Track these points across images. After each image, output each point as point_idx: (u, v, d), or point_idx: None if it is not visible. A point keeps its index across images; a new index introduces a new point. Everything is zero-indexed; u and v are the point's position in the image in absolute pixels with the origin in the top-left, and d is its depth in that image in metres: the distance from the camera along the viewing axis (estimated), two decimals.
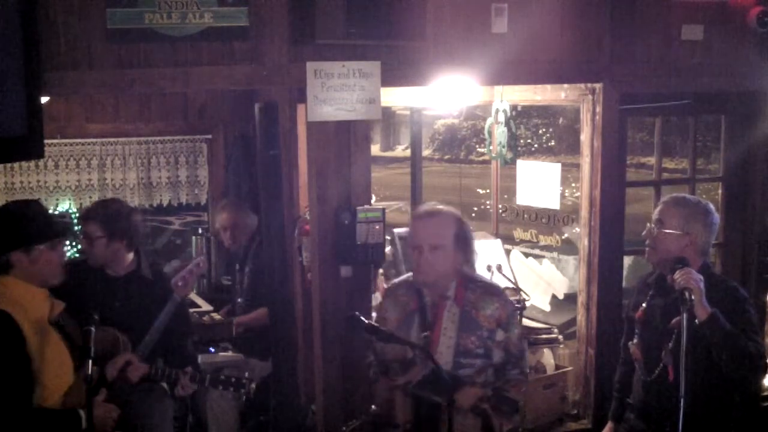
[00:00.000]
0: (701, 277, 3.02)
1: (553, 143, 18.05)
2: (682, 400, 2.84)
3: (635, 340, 3.39)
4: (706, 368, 3.07)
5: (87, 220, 3.82)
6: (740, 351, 3.04)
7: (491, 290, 3.23)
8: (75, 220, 6.04)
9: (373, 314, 3.36)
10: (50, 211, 3.29)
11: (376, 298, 4.68)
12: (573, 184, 7.81)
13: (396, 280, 3.40)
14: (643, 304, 3.38)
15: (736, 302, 3.19)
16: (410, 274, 3.26)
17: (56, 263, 3.07)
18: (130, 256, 3.89)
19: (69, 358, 3.02)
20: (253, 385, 3.66)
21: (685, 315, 2.88)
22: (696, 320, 2.95)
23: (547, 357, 4.86)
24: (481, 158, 16.54)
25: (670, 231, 3.24)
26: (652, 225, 3.33)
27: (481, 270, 4.74)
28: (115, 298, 3.79)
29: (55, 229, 3.14)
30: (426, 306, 3.14)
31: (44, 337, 2.95)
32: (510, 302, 3.28)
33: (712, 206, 3.34)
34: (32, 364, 2.88)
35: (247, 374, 3.77)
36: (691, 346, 2.86)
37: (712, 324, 2.98)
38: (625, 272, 4.88)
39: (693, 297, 2.93)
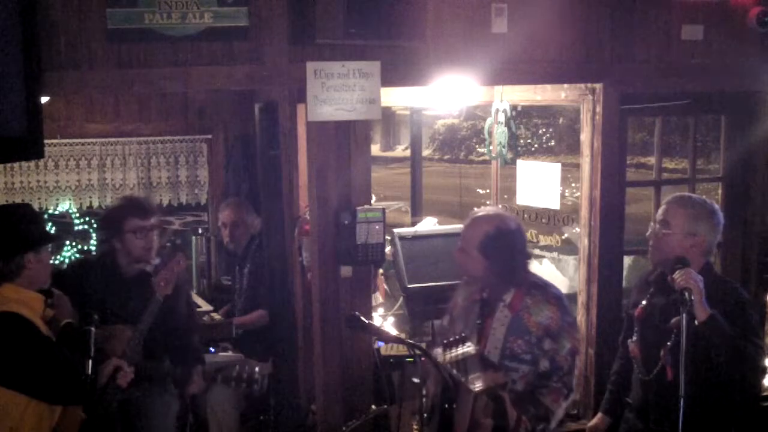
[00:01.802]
0: (701, 278, 3.02)
1: (553, 143, 18.04)
2: (681, 400, 2.84)
3: (634, 338, 3.38)
4: (705, 368, 3.07)
5: (153, 212, 3.89)
6: (739, 352, 3.04)
7: (549, 299, 3.18)
8: (75, 220, 6.05)
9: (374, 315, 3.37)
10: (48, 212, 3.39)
11: (376, 298, 4.68)
12: (573, 184, 7.81)
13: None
14: (643, 302, 3.37)
15: (737, 303, 3.19)
16: None
17: (49, 264, 3.16)
18: None
19: None
20: (266, 381, 3.68)
21: (684, 315, 2.88)
22: (695, 321, 2.95)
23: None
24: (481, 158, 16.53)
25: (676, 232, 3.23)
26: (656, 225, 3.31)
27: None
28: (130, 298, 3.79)
29: (49, 231, 3.22)
30: (480, 303, 3.22)
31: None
32: (568, 315, 3.18)
33: (717, 206, 3.33)
34: None
35: (257, 369, 3.75)
36: (690, 347, 2.86)
37: (711, 325, 2.98)
38: (625, 272, 4.87)
39: (693, 297, 2.93)
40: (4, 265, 2.98)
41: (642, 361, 3.33)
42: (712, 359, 3.04)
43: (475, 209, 3.37)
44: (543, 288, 3.22)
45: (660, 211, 3.36)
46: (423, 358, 3.06)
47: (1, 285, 2.99)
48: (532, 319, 3.12)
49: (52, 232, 3.37)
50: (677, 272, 3.02)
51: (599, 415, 3.67)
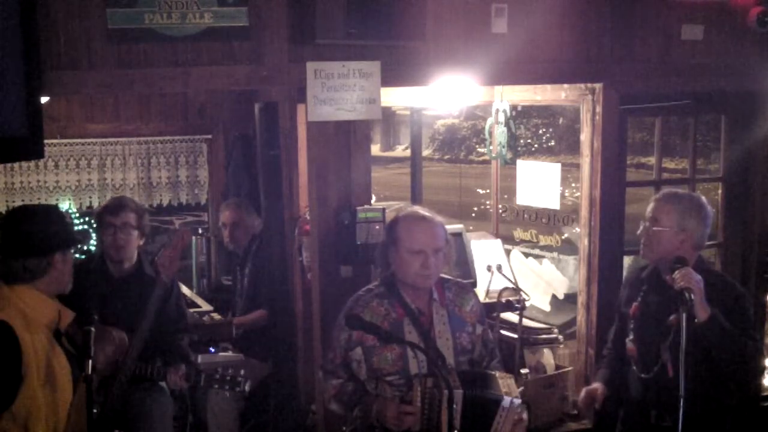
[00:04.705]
0: (701, 278, 3.02)
1: (553, 143, 18.05)
2: (681, 400, 2.84)
3: (631, 336, 3.37)
4: (705, 367, 3.07)
5: (124, 210, 3.82)
6: (739, 351, 3.05)
7: (464, 286, 3.29)
8: (75, 220, 6.04)
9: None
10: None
11: None
12: (573, 184, 7.80)
13: (361, 293, 3.18)
14: (638, 300, 3.36)
15: (736, 300, 3.20)
16: (373, 285, 3.20)
17: (68, 270, 2.98)
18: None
19: (69, 372, 2.91)
20: (249, 383, 3.65)
21: (684, 315, 2.88)
22: (695, 320, 2.95)
23: (547, 357, 4.85)
24: (481, 158, 16.55)
25: (666, 228, 3.23)
26: (646, 222, 3.32)
27: (481, 270, 4.77)
28: (118, 299, 3.78)
29: (78, 233, 3.09)
30: (415, 312, 3.08)
31: (52, 350, 2.86)
32: (477, 295, 3.36)
33: (704, 199, 3.33)
34: (26, 381, 2.73)
35: (243, 372, 3.76)
36: (690, 346, 2.86)
37: (712, 324, 2.98)
38: (625, 272, 4.87)
39: (693, 298, 2.93)
40: (25, 264, 2.85)
41: (640, 359, 3.33)
42: (713, 358, 3.05)
43: (409, 213, 3.16)
44: (450, 279, 3.25)
45: (649, 208, 3.36)
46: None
47: (16, 284, 2.81)
48: (463, 310, 3.16)
49: (76, 235, 3.15)
50: (677, 272, 3.03)
51: (597, 383, 3.52)
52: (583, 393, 3.51)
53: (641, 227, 3.36)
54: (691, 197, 3.33)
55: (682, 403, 2.84)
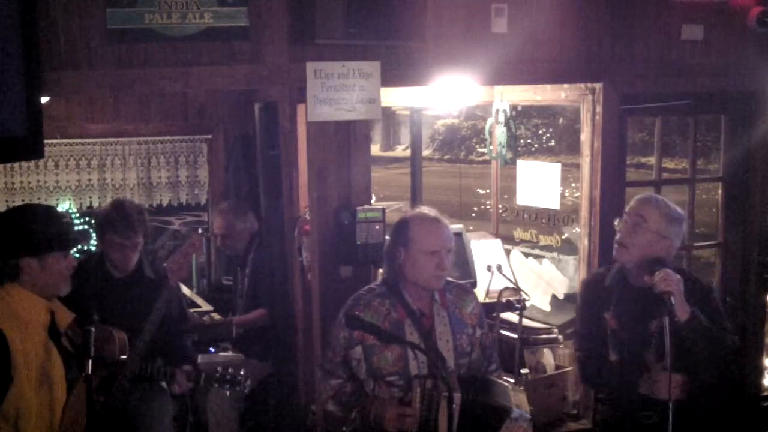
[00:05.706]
0: (680, 278, 3.01)
1: (553, 143, 18.07)
2: (671, 404, 2.84)
3: (612, 349, 3.27)
4: (692, 369, 3.09)
5: (136, 232, 3.77)
6: (720, 346, 3.08)
7: (465, 288, 3.28)
8: (75, 220, 6.04)
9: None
10: (65, 220, 3.08)
11: None
12: (573, 184, 7.81)
13: (362, 292, 3.16)
14: (611, 309, 3.27)
15: (706, 296, 3.22)
16: (374, 284, 3.19)
17: (66, 273, 2.93)
18: None
19: (63, 372, 2.92)
20: (249, 382, 3.66)
21: (666, 318, 2.87)
22: (676, 320, 2.93)
23: (547, 357, 4.85)
24: (481, 158, 16.58)
25: (651, 230, 3.19)
26: (630, 219, 3.25)
27: (481, 270, 4.77)
28: (117, 299, 3.77)
29: (70, 238, 2.98)
30: (416, 313, 3.07)
31: (47, 350, 2.85)
32: (477, 297, 3.35)
33: (684, 213, 3.33)
34: (15, 381, 2.73)
35: (242, 371, 3.76)
36: (674, 348, 2.86)
37: (694, 323, 2.99)
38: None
39: (674, 300, 2.92)
40: (3, 265, 2.86)
41: (624, 369, 3.24)
42: (696, 356, 3.05)
43: (424, 213, 3.13)
44: (451, 281, 3.23)
45: (632, 206, 3.30)
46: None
47: (6, 283, 2.81)
48: (464, 312, 3.15)
49: (72, 237, 3.07)
50: (657, 274, 3.00)
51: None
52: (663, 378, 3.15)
53: (626, 224, 3.26)
54: (672, 206, 3.29)
55: (671, 406, 2.84)
